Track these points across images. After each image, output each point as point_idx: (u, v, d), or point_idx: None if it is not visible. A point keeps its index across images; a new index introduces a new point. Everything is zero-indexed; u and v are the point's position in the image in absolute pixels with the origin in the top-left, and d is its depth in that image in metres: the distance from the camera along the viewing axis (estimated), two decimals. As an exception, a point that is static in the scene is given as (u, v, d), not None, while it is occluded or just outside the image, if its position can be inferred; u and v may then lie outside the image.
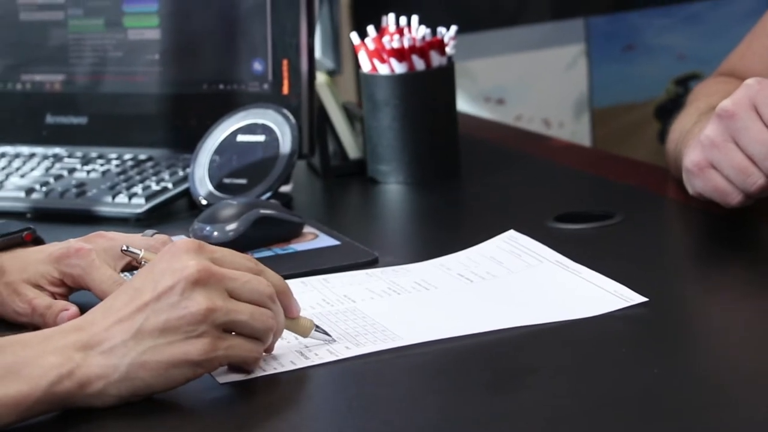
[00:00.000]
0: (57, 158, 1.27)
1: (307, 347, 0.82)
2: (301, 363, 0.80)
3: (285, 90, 1.21)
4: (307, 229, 1.07)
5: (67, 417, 0.75)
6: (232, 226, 1.03)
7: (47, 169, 1.25)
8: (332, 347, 0.82)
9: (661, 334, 0.81)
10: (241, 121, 1.17)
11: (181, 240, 0.79)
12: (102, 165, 1.24)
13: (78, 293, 0.91)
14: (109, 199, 1.17)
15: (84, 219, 1.16)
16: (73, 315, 0.87)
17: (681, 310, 0.86)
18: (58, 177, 1.23)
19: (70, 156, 1.27)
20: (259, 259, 0.97)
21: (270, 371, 0.79)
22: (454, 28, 1.22)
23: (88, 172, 1.23)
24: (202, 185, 1.14)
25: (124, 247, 0.85)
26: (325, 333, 0.83)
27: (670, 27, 2.00)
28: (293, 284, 0.88)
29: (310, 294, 0.92)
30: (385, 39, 1.21)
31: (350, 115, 1.28)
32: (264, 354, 0.79)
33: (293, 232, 1.06)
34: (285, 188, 1.18)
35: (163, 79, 1.26)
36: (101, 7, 1.28)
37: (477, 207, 1.17)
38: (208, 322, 0.75)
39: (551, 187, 1.19)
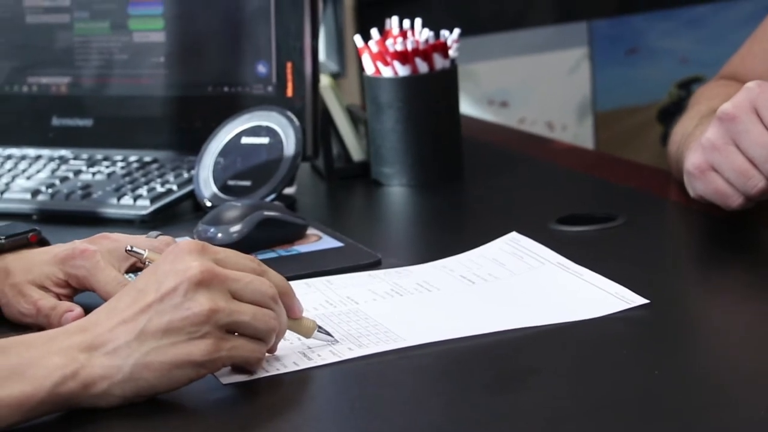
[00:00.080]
0: (63, 160, 1.27)
1: (309, 348, 0.82)
2: (304, 364, 0.80)
3: (289, 92, 1.22)
4: (310, 230, 1.07)
5: (71, 417, 0.75)
6: (236, 228, 1.03)
7: (53, 171, 1.25)
8: (335, 348, 0.82)
9: (662, 336, 0.82)
10: (246, 123, 1.17)
11: (184, 241, 0.79)
12: (107, 167, 1.24)
13: (83, 294, 0.92)
14: (114, 200, 1.18)
15: (89, 221, 1.16)
16: (77, 316, 0.88)
17: (682, 312, 0.86)
18: (63, 179, 1.23)
19: (75, 158, 1.27)
20: (262, 260, 0.97)
21: (273, 372, 0.79)
22: (457, 31, 1.23)
23: (94, 174, 1.23)
24: (207, 187, 1.15)
25: (128, 248, 0.86)
26: (328, 333, 0.83)
27: (672, 30, 2.00)
28: (296, 286, 0.89)
29: (313, 295, 0.92)
30: (389, 42, 1.21)
31: (354, 118, 1.28)
32: (267, 354, 0.80)
33: (297, 233, 1.06)
34: (289, 190, 1.18)
35: (168, 81, 1.27)
36: (107, 10, 1.29)
37: (480, 209, 1.18)
38: (211, 323, 0.75)
39: (554, 189, 1.19)
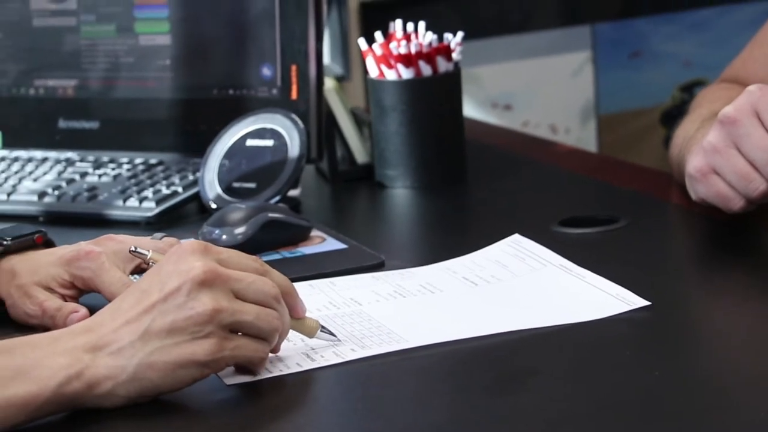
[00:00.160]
0: (69, 162, 1.28)
1: (313, 349, 0.82)
2: (307, 365, 0.81)
3: (294, 95, 1.22)
4: (314, 232, 1.08)
5: (75, 417, 0.75)
6: (240, 230, 1.04)
7: (59, 173, 1.26)
8: (338, 349, 0.82)
9: (663, 338, 0.82)
10: (251, 125, 1.18)
11: (187, 242, 0.80)
12: (113, 169, 1.25)
13: (88, 295, 0.92)
14: (120, 202, 1.18)
15: (95, 222, 1.16)
16: (82, 317, 0.88)
17: (683, 314, 0.87)
18: (70, 181, 1.24)
19: (82, 160, 1.28)
20: (267, 262, 0.98)
21: (276, 373, 0.79)
22: (460, 34, 1.23)
23: (100, 176, 1.24)
24: (212, 189, 1.15)
25: (133, 248, 0.86)
26: (331, 333, 0.83)
27: (676, 34, 2.01)
28: (300, 287, 0.89)
29: (316, 297, 0.92)
30: (393, 45, 1.22)
31: (358, 120, 1.29)
32: (270, 355, 0.80)
33: (301, 235, 1.06)
34: (293, 192, 1.18)
35: (174, 84, 1.27)
36: (113, 13, 1.30)
37: (483, 211, 1.18)
38: (214, 323, 0.75)
39: (556, 191, 1.20)
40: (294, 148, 1.15)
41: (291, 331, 0.81)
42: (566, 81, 1.98)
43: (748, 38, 1.19)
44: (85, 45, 1.31)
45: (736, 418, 0.70)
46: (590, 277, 0.91)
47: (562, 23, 1.97)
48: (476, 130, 1.40)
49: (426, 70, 1.22)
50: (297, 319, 0.82)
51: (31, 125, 1.33)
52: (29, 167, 1.28)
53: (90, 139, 1.30)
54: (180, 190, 1.19)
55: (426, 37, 1.22)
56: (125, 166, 1.25)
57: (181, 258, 0.77)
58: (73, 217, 1.19)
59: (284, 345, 0.81)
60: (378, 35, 1.23)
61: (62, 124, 1.32)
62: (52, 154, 1.30)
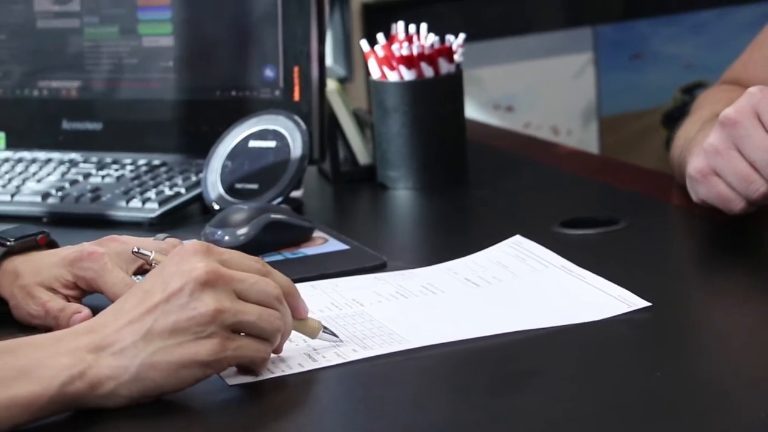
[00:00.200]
0: (73, 163, 1.28)
1: (315, 350, 0.83)
2: (309, 365, 0.81)
3: (296, 97, 1.23)
4: (317, 233, 1.08)
5: (78, 417, 0.76)
6: (243, 231, 1.04)
7: (63, 174, 1.26)
8: (340, 350, 0.82)
9: (664, 339, 0.82)
10: (253, 127, 1.18)
11: (189, 242, 0.80)
12: (116, 170, 1.25)
13: (91, 296, 0.93)
14: (123, 203, 1.19)
15: (98, 223, 1.17)
16: (85, 317, 0.88)
17: (684, 315, 0.87)
18: (73, 182, 1.24)
19: (85, 161, 1.29)
20: (269, 263, 0.98)
21: (278, 373, 0.80)
22: (462, 36, 1.23)
23: (103, 177, 1.24)
24: (215, 190, 1.16)
25: (135, 249, 0.86)
26: (333, 334, 0.83)
27: (677, 36, 2.01)
28: (303, 288, 0.89)
29: (319, 298, 0.92)
30: (395, 46, 1.22)
31: (360, 122, 1.29)
32: (272, 356, 0.80)
33: (303, 236, 1.07)
34: (296, 193, 1.19)
35: (177, 85, 1.28)
36: (116, 15, 1.30)
37: (484, 212, 1.18)
38: (216, 323, 0.76)
39: (558, 193, 1.20)
40: (296, 149, 1.16)
41: (293, 331, 0.82)
42: (568, 83, 1.98)
43: (748, 40, 1.19)
44: (89, 46, 1.31)
45: (736, 419, 0.70)
46: (591, 278, 0.91)
47: (564, 25, 1.98)
48: (478, 131, 1.41)
49: (428, 71, 1.22)
50: (299, 319, 0.82)
51: (35, 126, 1.34)
52: (33, 168, 1.28)
53: (93, 141, 1.31)
54: (183, 191, 1.19)
55: (428, 39, 1.22)
56: (128, 167, 1.25)
57: (184, 259, 0.77)
58: (76, 218, 1.19)
59: (286, 345, 0.82)
60: (380, 37, 1.24)
61: (66, 125, 1.32)
62: (56, 155, 1.31)
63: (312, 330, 0.83)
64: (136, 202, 1.18)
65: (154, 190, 1.19)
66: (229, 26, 1.25)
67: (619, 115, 2.02)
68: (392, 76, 1.22)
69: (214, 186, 1.16)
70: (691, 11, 2.01)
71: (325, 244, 1.06)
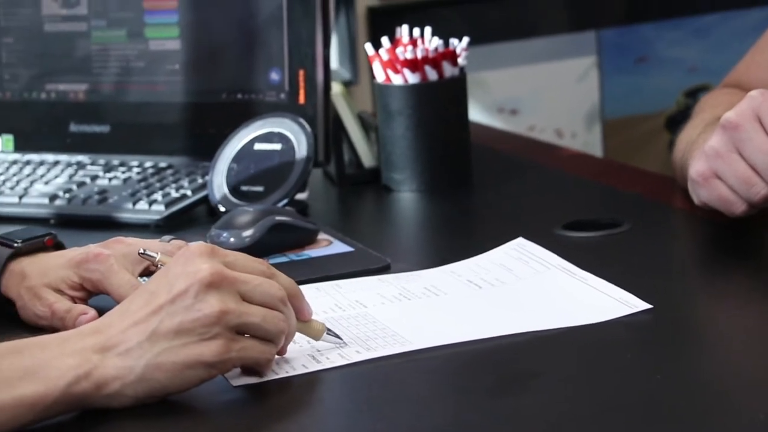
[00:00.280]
0: (80, 166, 1.29)
1: (319, 351, 0.83)
2: (313, 367, 0.81)
3: (301, 100, 1.23)
4: (321, 235, 1.08)
5: (84, 417, 0.76)
6: (248, 233, 1.04)
7: (70, 177, 1.27)
8: (343, 351, 0.83)
9: (665, 341, 0.82)
10: (259, 129, 1.19)
11: (194, 244, 0.80)
12: (123, 172, 1.26)
13: (97, 297, 0.93)
14: (129, 205, 1.19)
15: (105, 225, 1.17)
16: (91, 318, 0.89)
17: (685, 317, 0.87)
18: (80, 184, 1.25)
19: (92, 163, 1.29)
20: (274, 264, 0.98)
21: (282, 374, 0.80)
22: (466, 39, 1.24)
23: (110, 179, 1.25)
24: (220, 192, 1.16)
25: (141, 251, 0.86)
26: (337, 336, 0.84)
27: (680, 40, 2.01)
28: (307, 290, 0.90)
29: (323, 299, 0.93)
30: (399, 50, 1.22)
31: (365, 125, 1.30)
32: (276, 356, 0.81)
33: (308, 238, 1.07)
34: (301, 195, 1.19)
35: (183, 88, 1.28)
36: (123, 19, 1.31)
37: (487, 215, 1.19)
38: (221, 325, 0.76)
39: (561, 195, 1.20)
40: (301, 151, 1.16)
41: (297, 333, 0.82)
42: (572, 86, 1.99)
43: (751, 44, 1.19)
44: (96, 50, 1.32)
45: (736, 421, 0.70)
46: (593, 280, 0.92)
47: (568, 29, 1.98)
48: (482, 134, 1.41)
49: (432, 75, 1.22)
50: (303, 321, 0.82)
51: (43, 129, 1.34)
52: (41, 170, 1.29)
53: (100, 143, 1.31)
54: (189, 193, 1.20)
55: (432, 43, 1.23)
56: (135, 170, 1.26)
57: (189, 260, 0.78)
58: (83, 220, 1.19)
59: (290, 347, 0.82)
60: (384, 40, 1.24)
61: (73, 127, 1.33)
62: (64, 158, 1.31)
63: (316, 332, 0.83)
64: (142, 204, 1.19)
65: (160, 192, 1.20)
66: (235, 30, 1.26)
67: (622, 118, 2.03)
68: (396, 80, 1.23)
69: (219, 188, 1.17)
70: (694, 15, 2.01)
71: (329, 246, 1.06)
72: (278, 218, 1.06)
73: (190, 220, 1.18)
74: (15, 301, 0.94)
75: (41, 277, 0.93)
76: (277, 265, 0.94)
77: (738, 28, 2.03)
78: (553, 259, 0.96)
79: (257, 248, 1.02)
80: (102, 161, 1.29)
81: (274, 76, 1.25)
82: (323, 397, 0.80)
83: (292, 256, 1.05)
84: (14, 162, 1.32)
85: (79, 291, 0.93)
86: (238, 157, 1.18)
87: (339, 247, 1.06)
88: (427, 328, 0.87)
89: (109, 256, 0.91)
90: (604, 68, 1.99)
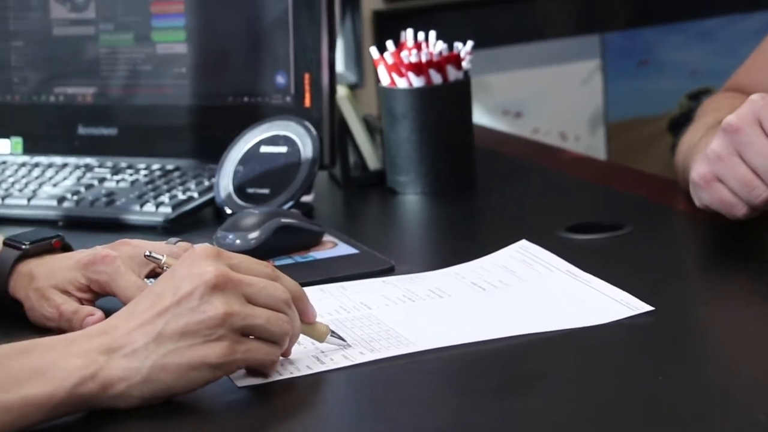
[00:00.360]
0: (88, 168, 1.30)
1: (323, 352, 0.84)
2: (317, 368, 0.82)
3: (307, 103, 1.24)
4: (326, 237, 1.09)
5: (90, 418, 0.77)
6: (254, 235, 1.05)
7: (78, 179, 1.28)
8: (347, 352, 0.83)
9: (666, 342, 0.83)
10: (265, 132, 1.20)
11: (200, 246, 0.81)
12: (131, 175, 1.27)
13: (104, 299, 0.94)
14: (137, 207, 1.20)
15: (113, 227, 1.18)
16: (98, 320, 0.89)
17: (686, 319, 0.88)
18: (88, 186, 1.26)
19: (100, 166, 1.30)
20: (279, 266, 0.99)
21: (287, 375, 0.81)
22: (470, 43, 1.24)
23: (118, 181, 1.26)
24: (227, 194, 1.17)
25: (147, 253, 0.87)
26: (341, 338, 0.84)
27: (683, 43, 2.02)
28: (312, 291, 0.90)
29: (327, 301, 0.93)
30: (404, 54, 1.23)
31: (370, 128, 1.30)
32: (281, 358, 0.81)
33: (313, 240, 1.08)
34: (307, 198, 1.20)
35: (190, 91, 1.29)
36: (131, 23, 1.32)
37: (491, 217, 1.19)
38: (226, 326, 0.77)
39: (564, 198, 1.20)
40: (307, 154, 1.17)
41: (301, 334, 0.83)
42: (576, 89, 1.99)
43: (753, 48, 1.20)
44: (104, 53, 1.33)
45: (738, 423, 0.71)
46: (595, 282, 0.92)
47: (572, 33, 1.98)
48: (486, 137, 1.41)
49: (436, 78, 1.23)
50: (307, 323, 0.83)
51: (52, 132, 1.35)
52: (49, 173, 1.30)
53: (108, 146, 1.32)
54: (196, 195, 1.20)
55: (436, 47, 1.23)
56: (142, 172, 1.27)
57: (195, 263, 0.78)
58: (91, 222, 1.20)
59: (294, 348, 0.83)
60: (389, 44, 1.25)
61: (81, 130, 1.34)
62: (72, 160, 1.32)
63: (320, 334, 0.84)
64: (149, 206, 1.19)
65: (167, 195, 1.21)
66: (241, 34, 1.27)
67: (626, 121, 2.03)
68: (401, 83, 1.24)
69: (226, 190, 1.17)
70: (697, 19, 2.01)
71: (334, 248, 1.07)
72: (284, 220, 1.07)
73: (196, 222, 1.19)
74: (23, 302, 0.95)
75: (49, 278, 0.93)
76: (282, 267, 0.95)
77: (740, 32, 2.03)
78: (556, 261, 0.97)
79: (263, 250, 1.03)
80: (110, 164, 1.30)
81: (280, 79, 1.25)
82: (327, 398, 0.81)
83: (298, 257, 1.05)
84: (23, 164, 1.33)
85: (86, 292, 0.93)
86: (244, 160, 1.19)
87: (344, 249, 1.06)
88: (431, 329, 0.87)
89: (115, 258, 0.92)
90: (608, 71, 1.99)
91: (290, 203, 1.15)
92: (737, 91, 1.17)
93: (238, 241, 1.05)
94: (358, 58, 1.74)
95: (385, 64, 1.24)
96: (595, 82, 1.99)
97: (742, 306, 0.89)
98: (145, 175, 1.26)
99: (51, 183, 1.27)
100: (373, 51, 1.26)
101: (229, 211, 1.16)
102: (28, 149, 1.36)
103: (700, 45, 2.02)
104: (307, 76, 1.24)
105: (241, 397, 0.79)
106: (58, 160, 1.33)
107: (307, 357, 0.83)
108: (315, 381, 0.81)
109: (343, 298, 0.94)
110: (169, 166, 1.27)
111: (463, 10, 1.92)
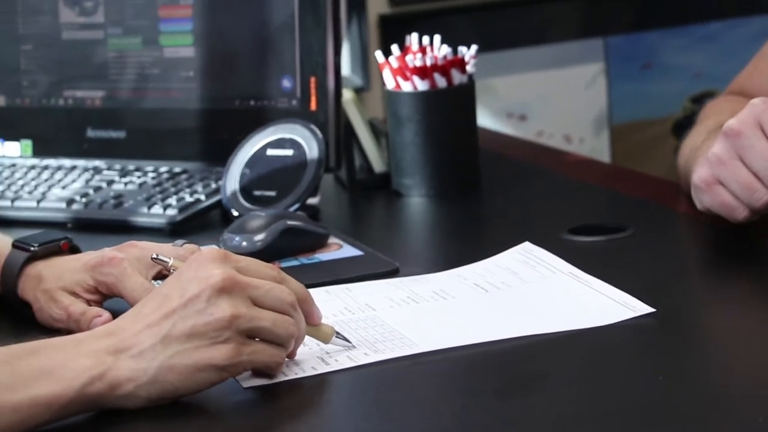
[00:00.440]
0: (96, 171, 1.31)
1: (327, 353, 0.84)
2: (322, 369, 0.82)
3: (313, 106, 1.25)
4: (332, 239, 1.09)
5: (98, 418, 0.77)
6: (260, 237, 1.05)
7: (87, 181, 1.28)
8: (352, 354, 0.84)
9: (667, 344, 0.83)
10: (271, 135, 1.20)
11: (207, 249, 0.82)
12: (139, 177, 1.27)
13: (111, 300, 0.94)
14: (144, 209, 1.21)
15: (121, 229, 1.18)
16: (105, 321, 0.90)
17: (687, 321, 0.88)
18: (97, 189, 1.27)
19: (109, 168, 1.31)
20: (285, 268, 1.01)
21: (292, 376, 0.81)
22: (474, 47, 1.25)
23: (126, 184, 1.26)
24: (233, 197, 1.18)
25: (154, 255, 0.88)
26: (345, 339, 0.85)
27: (687, 46, 2.02)
28: (317, 293, 0.91)
29: (332, 302, 0.94)
30: (409, 57, 1.23)
31: (375, 131, 1.31)
32: (286, 359, 0.82)
33: (318, 242, 1.08)
34: (313, 200, 1.20)
35: (198, 95, 1.30)
36: (139, 27, 1.32)
37: (495, 219, 1.19)
38: (232, 329, 0.77)
39: (567, 200, 1.21)
40: (313, 157, 1.17)
41: (306, 336, 0.83)
42: (580, 92, 2.00)
43: (756, 51, 1.20)
44: (112, 57, 1.34)
45: (738, 424, 0.71)
46: (597, 284, 0.92)
47: (576, 36, 1.99)
48: (491, 140, 1.42)
49: (441, 82, 1.23)
50: (313, 325, 0.83)
51: (61, 134, 1.36)
52: (58, 175, 1.31)
53: (117, 148, 1.33)
54: (203, 197, 1.21)
55: (441, 51, 1.24)
56: (150, 175, 1.28)
57: (201, 265, 0.79)
58: (99, 224, 1.21)
59: (300, 349, 0.83)
60: (394, 48, 1.26)
61: (90, 133, 1.35)
62: (81, 163, 1.33)
63: (325, 335, 0.84)
64: (157, 209, 1.20)
65: (174, 197, 1.21)
66: (248, 38, 1.28)
67: (630, 123, 2.03)
68: (406, 87, 1.24)
69: (233, 193, 1.18)
70: (700, 23, 2.02)
71: (339, 250, 1.08)
72: (290, 222, 1.07)
73: (203, 224, 1.19)
74: (32, 303, 0.95)
75: (57, 280, 0.94)
76: (288, 269, 0.96)
77: (743, 36, 2.03)
78: (559, 263, 0.97)
79: (269, 252, 1.04)
80: (118, 166, 1.31)
81: (286, 83, 1.26)
82: (332, 399, 0.81)
83: (303, 259, 1.06)
84: (32, 167, 1.34)
85: (94, 294, 0.94)
86: (250, 163, 1.19)
87: (349, 251, 1.07)
88: (435, 330, 0.88)
89: (123, 260, 0.92)
90: (612, 74, 2.00)
91: (296, 205, 1.15)
92: (739, 95, 1.17)
93: (244, 243, 1.05)
94: (363, 61, 1.74)
95: (390, 67, 1.25)
96: (599, 85, 1.99)
97: (742, 308, 0.89)
98: (153, 178, 1.27)
99: (60, 185, 1.28)
100: (379, 55, 1.26)
101: (235, 213, 1.16)
102: (37, 152, 1.37)
103: (703, 48, 2.02)
104: (313, 79, 1.24)
105: (246, 398, 0.79)
106: (67, 162, 1.34)
107: (312, 358, 0.84)
108: (320, 382, 0.81)
109: (348, 299, 0.95)
110: (177, 169, 1.28)
111: (468, 13, 1.93)
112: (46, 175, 1.31)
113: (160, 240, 1.03)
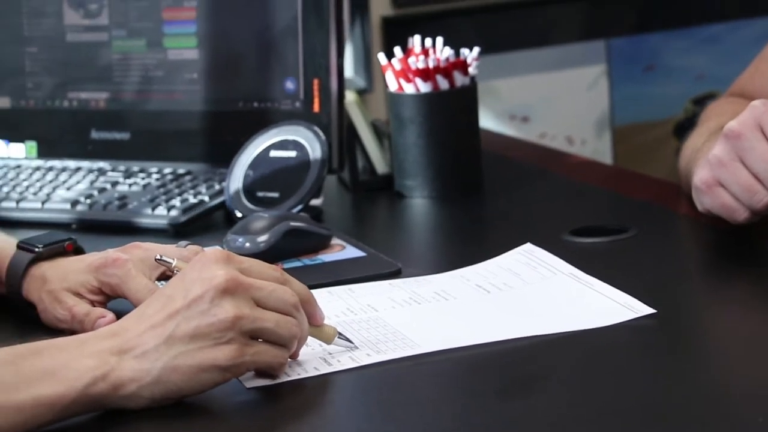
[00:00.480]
0: (101, 172, 1.31)
1: (330, 354, 0.85)
2: (324, 369, 0.83)
3: (316, 108, 1.25)
4: (334, 240, 1.10)
5: (101, 418, 0.78)
6: (263, 238, 1.06)
7: (92, 183, 1.29)
8: (354, 354, 0.84)
9: (668, 345, 0.83)
10: (274, 137, 1.21)
11: (210, 250, 0.82)
12: (143, 178, 1.28)
13: (115, 301, 0.95)
14: (149, 211, 1.21)
15: (125, 230, 1.19)
16: (109, 322, 0.90)
17: (687, 322, 0.88)
18: (101, 190, 1.27)
19: (113, 170, 1.31)
20: (288, 269, 1.01)
21: (294, 377, 0.81)
22: (476, 49, 1.25)
23: (130, 185, 1.27)
24: (237, 198, 1.18)
25: (158, 257, 0.88)
26: (348, 340, 0.85)
27: (689, 48, 2.02)
28: (320, 294, 0.91)
29: (335, 303, 0.94)
30: (411, 59, 1.24)
31: (378, 132, 1.31)
32: (289, 360, 0.82)
33: (321, 243, 1.09)
34: (316, 201, 1.20)
35: (201, 97, 1.30)
36: (143, 29, 1.33)
37: (497, 221, 1.20)
38: (235, 329, 0.78)
39: (569, 202, 1.21)
40: (316, 158, 1.18)
41: (309, 337, 0.84)
42: (582, 94, 2.00)
43: (758, 53, 1.20)
44: (117, 59, 1.34)
45: (738, 425, 0.71)
46: (598, 285, 0.93)
47: (578, 38, 1.99)
48: (493, 141, 1.42)
49: (443, 84, 1.24)
50: (315, 326, 0.84)
51: (65, 136, 1.36)
52: (63, 176, 1.31)
53: (121, 150, 1.33)
54: (206, 199, 1.22)
55: (443, 53, 1.24)
56: (154, 176, 1.28)
57: (205, 266, 0.79)
58: (103, 225, 1.21)
59: (302, 349, 0.83)
60: (397, 50, 1.26)
61: (95, 135, 1.35)
62: (85, 164, 1.33)
63: (327, 336, 0.85)
64: (161, 210, 1.21)
65: (178, 198, 1.22)
66: (251, 40, 1.28)
67: (632, 125, 2.04)
68: (409, 89, 1.25)
69: (236, 194, 1.18)
70: (703, 25, 2.02)
71: (342, 251, 1.08)
72: (293, 224, 1.08)
73: (207, 225, 1.19)
74: (36, 304, 0.96)
75: (61, 281, 0.94)
76: (291, 270, 0.96)
77: (745, 38, 2.03)
78: (560, 264, 0.97)
79: (272, 253, 1.04)
80: (122, 168, 1.31)
81: (290, 85, 1.27)
82: (334, 399, 0.81)
83: (306, 260, 1.06)
84: (37, 168, 1.34)
85: (97, 295, 0.94)
86: (254, 164, 1.20)
87: (352, 252, 1.07)
88: (437, 331, 0.88)
89: (126, 261, 0.92)
90: (614, 76, 2.00)
91: (299, 207, 1.16)
92: (740, 97, 1.17)
93: (247, 245, 1.06)
94: (366, 63, 1.74)
95: (393, 69, 1.25)
96: (601, 86, 2.00)
97: (743, 309, 0.90)
98: (157, 179, 1.27)
99: (65, 187, 1.29)
100: (381, 57, 1.27)
101: (239, 214, 1.17)
102: (42, 153, 1.37)
103: (705, 50, 2.02)
104: (316, 81, 1.25)
105: (249, 398, 0.80)
106: (71, 164, 1.34)
107: (314, 359, 0.84)
108: (322, 382, 0.81)
109: (350, 300, 0.95)
110: (181, 170, 1.28)
111: (471, 15, 1.93)
112: (50, 176, 1.31)
113: (164, 241, 1.03)
